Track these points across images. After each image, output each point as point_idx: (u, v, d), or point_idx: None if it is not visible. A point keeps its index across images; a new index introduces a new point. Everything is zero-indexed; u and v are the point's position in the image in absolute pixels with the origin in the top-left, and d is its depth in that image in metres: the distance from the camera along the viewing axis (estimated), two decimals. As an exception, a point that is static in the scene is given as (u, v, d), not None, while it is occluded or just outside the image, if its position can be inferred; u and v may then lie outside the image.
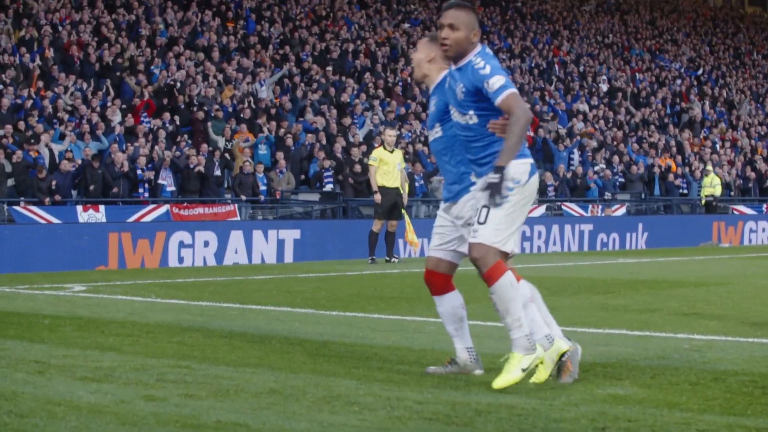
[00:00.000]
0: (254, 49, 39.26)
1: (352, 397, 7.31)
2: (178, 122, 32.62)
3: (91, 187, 27.23)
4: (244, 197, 29.46)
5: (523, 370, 7.43)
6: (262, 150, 32.31)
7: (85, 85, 32.90)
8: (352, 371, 8.60)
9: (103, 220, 25.93)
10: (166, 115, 32.28)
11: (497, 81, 7.32)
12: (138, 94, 32.88)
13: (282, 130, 33.28)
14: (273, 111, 34.43)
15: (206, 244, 25.26)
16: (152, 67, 35.14)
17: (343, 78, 39.76)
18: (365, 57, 42.60)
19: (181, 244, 24.92)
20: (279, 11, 44.13)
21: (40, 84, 31.64)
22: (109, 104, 32.06)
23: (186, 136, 31.68)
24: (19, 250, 22.14)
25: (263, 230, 26.52)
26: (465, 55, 7.54)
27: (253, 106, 34.63)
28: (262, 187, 30.38)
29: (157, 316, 13.16)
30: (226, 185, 30.83)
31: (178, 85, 33.97)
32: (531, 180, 7.51)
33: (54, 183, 26.47)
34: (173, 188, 29.05)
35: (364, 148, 32.37)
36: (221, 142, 31.97)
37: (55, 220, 24.85)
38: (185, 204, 27.85)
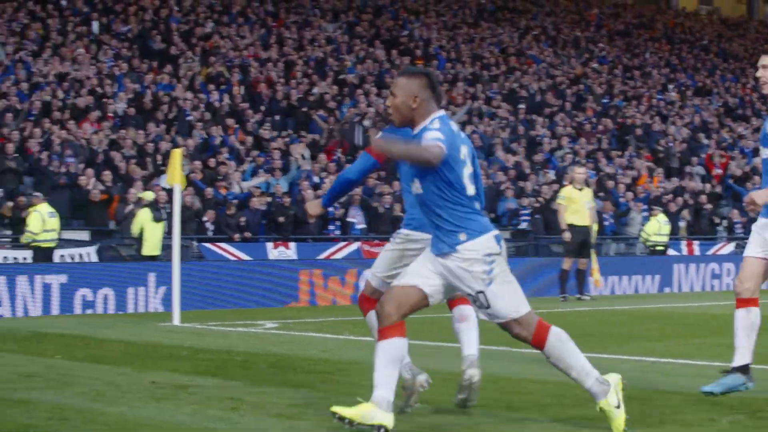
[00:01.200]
0: (443, 87, 39.47)
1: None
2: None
3: (281, 219, 27.44)
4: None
5: (617, 407, 7.21)
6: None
7: (272, 122, 33.44)
8: (546, 410, 8.49)
9: (294, 256, 26.04)
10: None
11: (433, 134, 7.05)
12: (326, 132, 33.28)
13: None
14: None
15: (396, 280, 25.10)
16: (343, 105, 35.60)
17: (533, 116, 39.55)
18: (554, 95, 42.35)
19: (373, 282, 24.79)
20: (468, 49, 44.40)
21: (229, 122, 32.22)
22: (296, 141, 32.54)
23: (376, 175, 31.74)
24: (210, 287, 22.31)
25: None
26: (418, 122, 7.29)
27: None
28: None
29: (350, 354, 13.15)
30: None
31: (367, 122, 34.16)
32: (502, 253, 7.27)
33: (244, 220, 26.75)
34: (363, 226, 29.03)
35: (555, 186, 31.91)
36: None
37: (245, 257, 25.07)
38: (376, 241, 27.78)
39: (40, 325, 17.77)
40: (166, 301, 20.96)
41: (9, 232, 24.99)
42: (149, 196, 24.65)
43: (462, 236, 7.15)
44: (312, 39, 40.61)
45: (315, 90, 36.16)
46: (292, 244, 26.63)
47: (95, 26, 36.73)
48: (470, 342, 8.44)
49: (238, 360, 12.16)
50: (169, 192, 21.61)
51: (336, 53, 40.01)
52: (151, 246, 23.81)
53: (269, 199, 28.35)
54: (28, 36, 34.66)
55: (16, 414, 8.01)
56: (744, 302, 8.35)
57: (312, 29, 41.65)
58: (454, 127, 7.28)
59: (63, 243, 24.13)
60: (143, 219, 23.84)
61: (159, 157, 28.74)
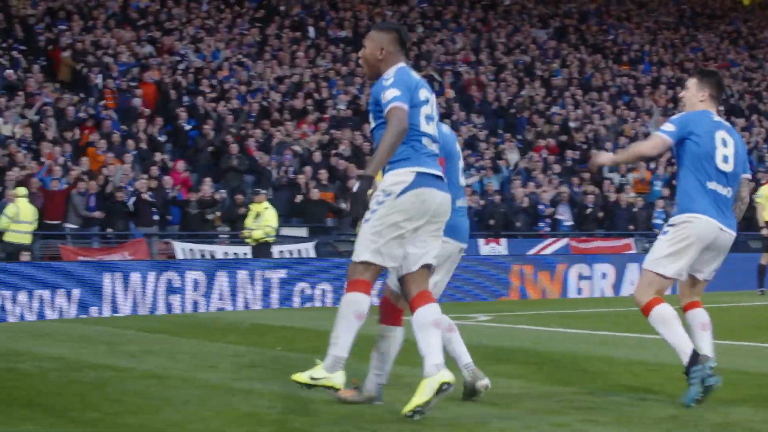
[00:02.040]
0: (647, 89, 39.42)
1: (748, 424, 7.24)
2: (573, 159, 32.95)
3: (491, 222, 27.77)
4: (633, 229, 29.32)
5: (313, 378, 7.33)
6: (657, 186, 31.90)
7: (483, 123, 33.87)
8: (747, 399, 8.49)
9: (505, 252, 26.32)
10: (568, 153, 32.77)
11: (390, 93, 7.24)
12: (535, 133, 33.55)
13: (672, 168, 32.83)
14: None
15: (604, 275, 25.50)
16: (553, 107, 35.85)
17: (732, 117, 38.90)
18: (750, 97, 41.55)
19: (581, 276, 25.07)
20: (669, 53, 44.14)
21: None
22: (505, 142, 32.88)
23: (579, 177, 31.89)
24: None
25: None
26: (382, 72, 7.53)
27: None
28: (659, 221, 30.03)
29: (560, 345, 13.25)
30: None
31: (575, 123, 34.38)
32: (406, 195, 7.23)
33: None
34: (571, 222, 29.13)
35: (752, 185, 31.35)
36: (616, 178, 31.84)
37: (459, 253, 25.43)
38: (583, 237, 27.91)
39: (261, 317, 18.21)
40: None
41: (228, 229, 25.76)
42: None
43: (388, 165, 7.33)
44: (519, 43, 41.06)
45: (523, 92, 36.51)
46: (503, 241, 26.94)
47: (311, 31, 37.72)
48: (463, 351, 8.53)
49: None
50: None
51: (543, 57, 40.34)
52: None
53: (481, 198, 28.79)
54: (246, 41, 35.82)
55: (239, 402, 8.25)
56: None
57: (520, 34, 42.08)
58: (413, 73, 7.51)
59: (282, 239, 24.82)
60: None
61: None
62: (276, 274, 21.83)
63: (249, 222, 23.61)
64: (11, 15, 32.46)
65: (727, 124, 8.46)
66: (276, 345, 12.87)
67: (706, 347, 8.36)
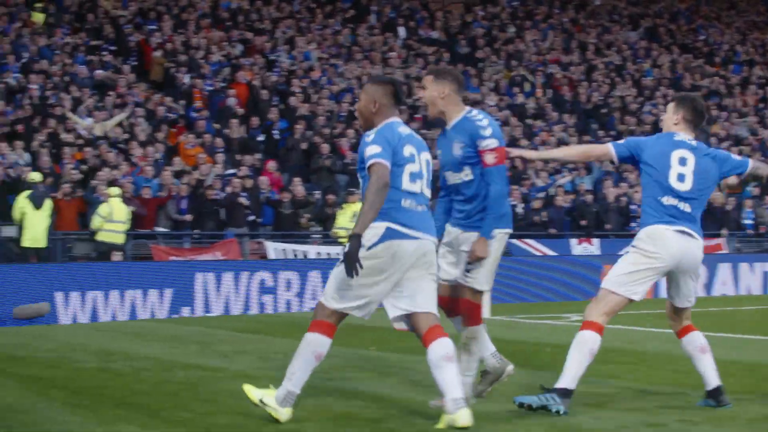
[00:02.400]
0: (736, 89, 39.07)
1: None
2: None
3: (583, 222, 27.58)
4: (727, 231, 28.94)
5: (262, 402, 7.54)
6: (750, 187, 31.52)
7: (575, 123, 33.79)
8: None
9: (597, 252, 26.10)
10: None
11: (370, 150, 7.44)
12: (627, 133, 33.36)
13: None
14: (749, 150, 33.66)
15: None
16: (644, 106, 35.67)
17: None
18: None
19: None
20: (759, 53, 43.76)
21: (531, 122, 32.72)
22: (597, 142, 32.62)
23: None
24: (517, 281, 22.65)
25: (749, 263, 26.48)
26: (376, 125, 7.71)
27: (735, 145, 33.97)
28: (748, 221, 29.67)
29: (654, 345, 13.20)
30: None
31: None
32: (377, 247, 7.49)
33: (546, 215, 26.99)
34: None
35: None
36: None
37: (550, 252, 25.30)
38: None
39: (354, 318, 18.22)
40: (476, 294, 21.42)
41: (320, 228, 25.86)
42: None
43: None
44: (610, 43, 40.98)
45: (615, 92, 36.39)
46: (595, 240, 26.71)
47: (402, 31, 37.79)
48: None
49: (547, 351, 12.32)
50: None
51: (634, 57, 40.22)
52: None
53: (573, 197, 28.63)
54: (338, 41, 35.98)
55: (332, 402, 8.37)
56: None
57: (611, 34, 41.99)
58: (401, 129, 7.64)
59: None
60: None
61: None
62: (368, 274, 21.76)
63: (343, 221, 23.65)
64: (101, 15, 32.92)
65: (694, 143, 8.41)
66: (369, 345, 12.86)
67: (710, 373, 8.39)
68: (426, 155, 7.76)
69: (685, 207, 8.21)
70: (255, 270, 21.08)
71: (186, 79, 30.63)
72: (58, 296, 18.78)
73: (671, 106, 8.52)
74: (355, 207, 23.32)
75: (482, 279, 8.25)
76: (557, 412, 7.80)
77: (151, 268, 20.65)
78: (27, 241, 20.99)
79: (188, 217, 24.08)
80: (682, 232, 8.19)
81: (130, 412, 7.94)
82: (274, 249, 23.77)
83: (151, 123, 27.82)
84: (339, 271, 7.68)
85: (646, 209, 8.33)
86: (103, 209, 21.45)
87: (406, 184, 7.55)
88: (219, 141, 27.54)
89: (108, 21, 32.73)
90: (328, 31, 36.62)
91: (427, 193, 7.72)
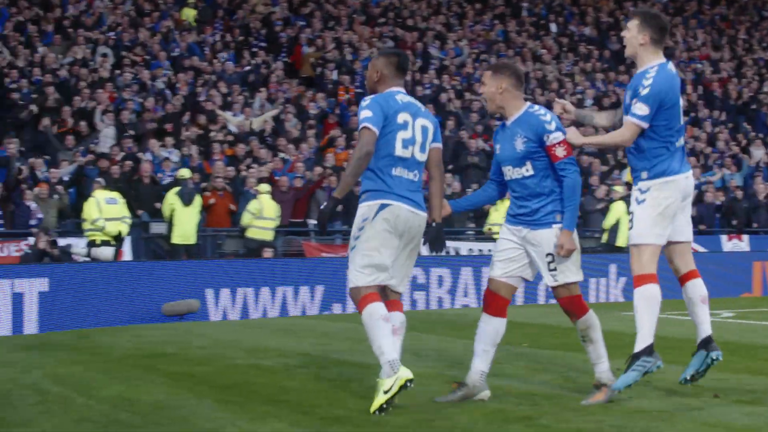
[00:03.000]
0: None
1: None
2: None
3: (734, 222, 27.14)
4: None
5: (385, 392, 7.60)
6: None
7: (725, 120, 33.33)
8: None
9: (747, 248, 25.54)
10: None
11: (363, 114, 7.85)
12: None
13: None
14: None
15: None
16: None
17: None
18: None
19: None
20: None
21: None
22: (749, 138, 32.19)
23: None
24: (665, 280, 22.31)
25: None
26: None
27: None
28: None
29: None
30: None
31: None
32: (379, 214, 7.82)
33: (696, 212, 26.58)
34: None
35: None
36: None
37: (700, 249, 24.87)
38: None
39: (508, 315, 18.11)
40: (627, 290, 21.46)
41: (473, 225, 25.84)
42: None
43: (364, 195, 7.94)
44: (760, 39, 40.16)
45: (765, 88, 35.67)
46: (745, 237, 26.21)
47: (553, 28, 37.63)
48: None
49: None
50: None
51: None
52: (624, 238, 24.26)
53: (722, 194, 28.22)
54: (489, 37, 35.95)
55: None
56: None
57: (760, 30, 41.19)
58: (399, 97, 8.00)
59: None
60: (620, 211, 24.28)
61: (619, 153, 29.21)
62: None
63: (496, 218, 23.60)
64: (252, 12, 33.40)
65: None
66: (522, 342, 12.75)
67: (705, 323, 8.40)
68: (422, 121, 8.09)
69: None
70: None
71: (335, 75, 30.93)
72: (209, 293, 19.04)
73: (635, 24, 8.42)
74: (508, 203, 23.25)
75: (571, 270, 8.23)
76: (658, 367, 7.95)
77: (303, 264, 20.81)
78: (177, 238, 21.37)
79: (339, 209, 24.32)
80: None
81: (281, 408, 7.96)
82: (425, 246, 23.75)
83: (301, 119, 28.13)
84: (356, 252, 7.98)
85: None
86: (253, 206, 21.72)
87: (398, 150, 7.91)
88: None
89: (258, 17, 33.20)
90: (479, 28, 36.61)
91: (420, 157, 8.05)
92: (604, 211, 24.81)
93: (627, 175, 19.37)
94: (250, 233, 21.98)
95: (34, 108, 24.84)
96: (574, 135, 8.16)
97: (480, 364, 8.39)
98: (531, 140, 8.13)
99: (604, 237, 24.48)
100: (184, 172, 22.02)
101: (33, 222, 21.69)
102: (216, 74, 29.25)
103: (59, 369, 10.23)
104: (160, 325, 16.11)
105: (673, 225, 8.19)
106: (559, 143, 8.07)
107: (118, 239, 20.15)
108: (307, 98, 29.30)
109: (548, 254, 8.21)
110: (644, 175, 8.11)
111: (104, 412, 7.99)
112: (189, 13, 32.44)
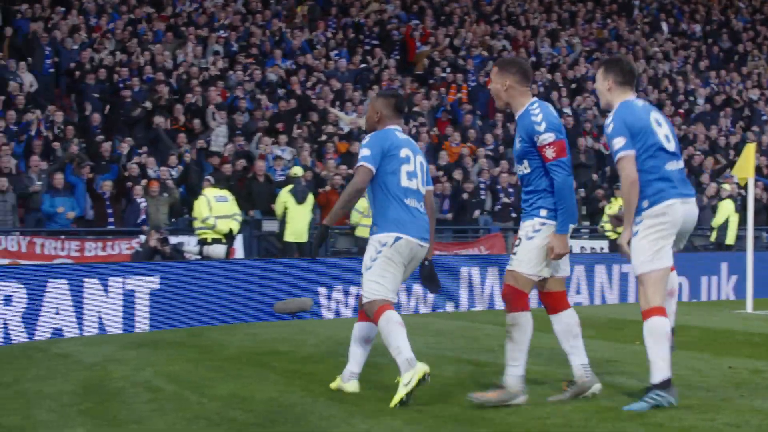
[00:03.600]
0: None
1: None
2: None
3: None
4: None
5: (405, 385, 7.99)
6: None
7: None
8: None
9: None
10: None
11: (362, 152, 8.54)
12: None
13: None
14: None
15: None
16: None
17: None
18: None
19: None
20: None
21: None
22: None
23: None
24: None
25: None
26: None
27: None
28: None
29: None
30: None
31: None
32: (395, 245, 8.51)
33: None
34: None
35: None
36: None
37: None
38: None
39: (618, 312, 17.91)
40: (738, 289, 21.22)
41: (587, 223, 25.78)
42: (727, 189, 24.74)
43: (374, 227, 8.66)
44: None
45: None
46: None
47: (665, 26, 37.35)
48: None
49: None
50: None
51: None
52: (733, 236, 23.98)
53: None
54: (601, 35, 35.77)
55: (600, 396, 8.25)
56: None
57: None
58: (398, 134, 8.66)
59: None
60: (729, 209, 23.90)
61: (731, 152, 28.89)
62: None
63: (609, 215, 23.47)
64: (363, 9, 33.53)
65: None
66: (634, 340, 12.53)
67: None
68: (420, 158, 8.76)
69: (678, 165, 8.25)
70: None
71: (448, 73, 30.91)
72: (321, 291, 19.02)
73: (600, 72, 8.43)
74: (620, 201, 23.20)
75: (527, 263, 8.18)
76: (669, 404, 7.70)
77: (415, 263, 20.67)
78: (289, 236, 21.43)
79: (449, 216, 24.27)
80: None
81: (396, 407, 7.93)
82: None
83: (413, 117, 28.10)
84: (370, 273, 8.69)
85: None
86: (361, 204, 21.70)
87: (404, 181, 8.55)
88: (486, 136, 27.66)
89: (372, 16, 33.30)
90: (592, 26, 36.44)
91: (423, 190, 8.71)
92: (714, 210, 24.57)
93: (736, 172, 19.00)
94: (359, 232, 21.95)
95: (147, 105, 25.16)
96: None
97: (576, 359, 8.41)
98: (524, 140, 8.23)
99: (713, 235, 24.22)
100: (297, 170, 22.09)
101: (142, 219, 21.96)
102: (328, 72, 29.35)
103: (171, 367, 10.28)
104: (273, 323, 16.15)
105: None
106: (548, 144, 8.06)
107: (229, 237, 20.21)
108: (420, 96, 29.26)
109: (519, 238, 8.30)
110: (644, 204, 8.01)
111: (217, 410, 8.01)
112: (303, 11, 32.75)
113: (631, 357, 10.87)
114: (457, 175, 25.11)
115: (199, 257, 19.91)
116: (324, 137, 25.92)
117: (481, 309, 19.96)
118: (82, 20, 28.52)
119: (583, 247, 24.45)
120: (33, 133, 23.62)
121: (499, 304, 20.22)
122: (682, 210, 7.95)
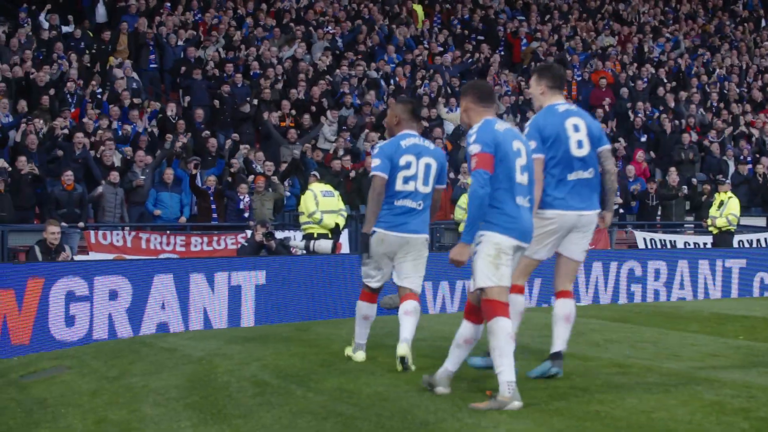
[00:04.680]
0: None
1: None
2: None
3: None
4: None
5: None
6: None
7: None
8: None
9: None
10: None
11: (373, 162, 9.80)
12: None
13: None
14: None
15: None
16: None
17: None
18: None
19: None
20: None
21: None
22: None
23: None
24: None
25: None
26: (395, 134, 9.94)
27: None
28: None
29: None
30: None
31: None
32: (374, 236, 9.88)
33: None
34: None
35: None
36: None
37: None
38: None
39: (721, 307, 17.65)
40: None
41: (690, 219, 25.59)
42: None
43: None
44: None
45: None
46: None
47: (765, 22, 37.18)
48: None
49: None
50: None
51: None
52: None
53: None
54: (707, 29, 35.46)
55: (703, 391, 8.16)
56: None
57: None
58: (405, 141, 9.71)
59: (742, 228, 24.47)
60: None
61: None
62: (736, 264, 21.22)
63: (713, 211, 23.31)
64: (471, 6, 33.58)
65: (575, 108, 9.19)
66: (738, 335, 12.53)
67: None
68: (426, 160, 9.74)
69: (589, 172, 9.12)
70: (624, 260, 20.68)
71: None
72: (427, 285, 18.85)
73: (533, 78, 9.26)
74: (724, 196, 22.99)
75: (479, 277, 8.27)
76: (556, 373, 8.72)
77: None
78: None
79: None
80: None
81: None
82: (642, 238, 23.56)
83: (519, 110, 28.03)
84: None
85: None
86: (462, 201, 21.66)
87: (399, 185, 9.70)
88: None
89: (478, 11, 33.28)
90: (696, 21, 36.16)
91: (423, 189, 9.80)
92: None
93: None
94: (462, 228, 21.86)
95: (254, 102, 25.35)
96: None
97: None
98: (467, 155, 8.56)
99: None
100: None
101: (247, 215, 22.09)
102: (434, 68, 29.33)
103: (277, 361, 10.28)
104: (380, 318, 16.11)
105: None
106: (472, 156, 8.15)
107: (336, 232, 20.22)
108: (526, 92, 29.15)
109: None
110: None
111: (323, 403, 8.02)
112: (419, 10, 32.80)
113: (734, 351, 10.80)
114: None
115: (305, 252, 19.95)
116: (431, 134, 25.91)
117: (585, 304, 19.73)
118: (190, 16, 28.86)
119: (686, 243, 24.19)
120: (140, 129, 23.96)
121: (604, 299, 20.04)
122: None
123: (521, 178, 8.19)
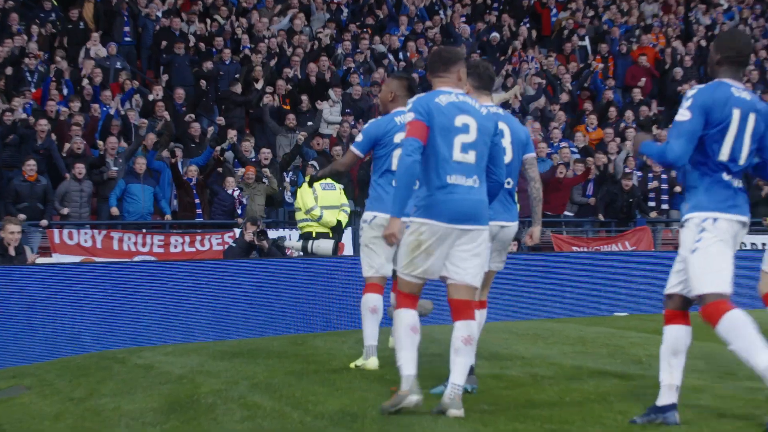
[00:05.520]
0: None
1: None
2: None
3: None
4: None
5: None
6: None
7: None
8: None
9: None
10: None
11: (357, 137, 10.93)
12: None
13: None
14: None
15: None
16: None
17: None
18: None
19: None
20: None
21: None
22: None
23: None
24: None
25: None
26: (390, 111, 10.89)
27: None
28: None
29: None
30: None
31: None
32: (374, 221, 10.81)
33: None
34: None
35: None
36: None
37: None
38: None
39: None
40: None
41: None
42: None
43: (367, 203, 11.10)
44: None
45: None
46: None
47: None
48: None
49: None
50: None
51: None
52: None
53: None
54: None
55: (761, 416, 8.27)
56: None
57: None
58: (398, 118, 10.53)
59: None
60: None
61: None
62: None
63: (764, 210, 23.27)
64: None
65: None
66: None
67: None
68: None
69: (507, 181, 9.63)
70: (669, 262, 20.59)
71: (585, 42, 30.80)
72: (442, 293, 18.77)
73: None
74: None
75: (398, 260, 8.83)
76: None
77: (551, 260, 20.51)
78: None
79: (592, 201, 24.08)
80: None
81: (530, 425, 7.92)
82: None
83: (555, 90, 27.99)
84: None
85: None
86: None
87: (395, 165, 10.29)
88: (629, 114, 27.42)
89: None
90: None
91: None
92: None
93: None
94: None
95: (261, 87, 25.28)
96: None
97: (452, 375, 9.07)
98: None
99: None
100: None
101: (238, 211, 22.01)
102: (452, 41, 29.30)
103: (270, 379, 10.30)
104: (389, 329, 16.07)
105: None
106: (405, 124, 8.58)
107: (338, 230, 20.11)
108: (558, 69, 29.09)
109: None
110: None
111: (323, 429, 8.00)
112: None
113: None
114: (599, 161, 24.87)
115: (302, 254, 19.87)
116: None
117: (625, 314, 19.66)
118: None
119: (743, 243, 24.23)
120: (111, 112, 23.75)
121: (645, 308, 19.97)
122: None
123: (461, 156, 8.39)
